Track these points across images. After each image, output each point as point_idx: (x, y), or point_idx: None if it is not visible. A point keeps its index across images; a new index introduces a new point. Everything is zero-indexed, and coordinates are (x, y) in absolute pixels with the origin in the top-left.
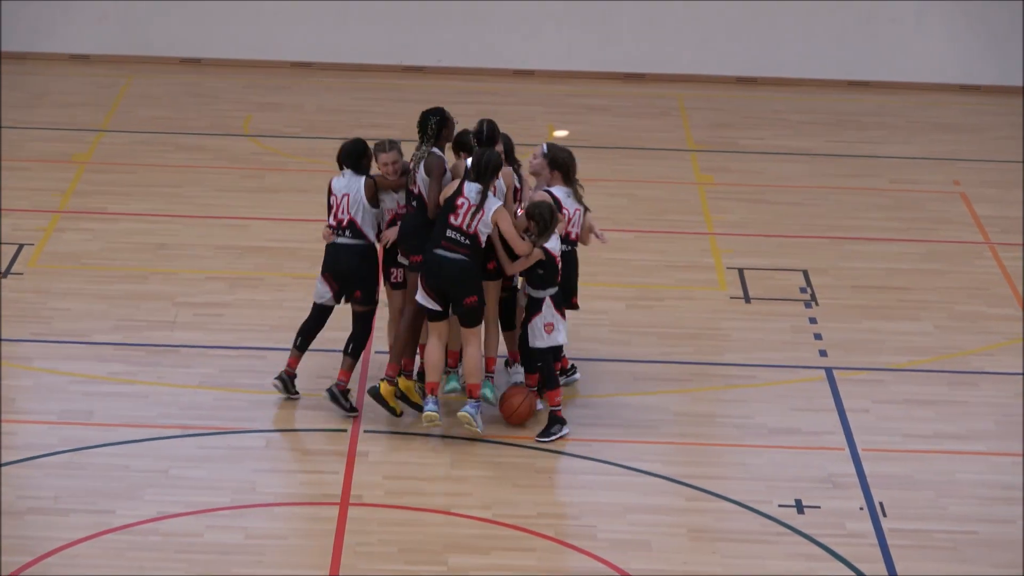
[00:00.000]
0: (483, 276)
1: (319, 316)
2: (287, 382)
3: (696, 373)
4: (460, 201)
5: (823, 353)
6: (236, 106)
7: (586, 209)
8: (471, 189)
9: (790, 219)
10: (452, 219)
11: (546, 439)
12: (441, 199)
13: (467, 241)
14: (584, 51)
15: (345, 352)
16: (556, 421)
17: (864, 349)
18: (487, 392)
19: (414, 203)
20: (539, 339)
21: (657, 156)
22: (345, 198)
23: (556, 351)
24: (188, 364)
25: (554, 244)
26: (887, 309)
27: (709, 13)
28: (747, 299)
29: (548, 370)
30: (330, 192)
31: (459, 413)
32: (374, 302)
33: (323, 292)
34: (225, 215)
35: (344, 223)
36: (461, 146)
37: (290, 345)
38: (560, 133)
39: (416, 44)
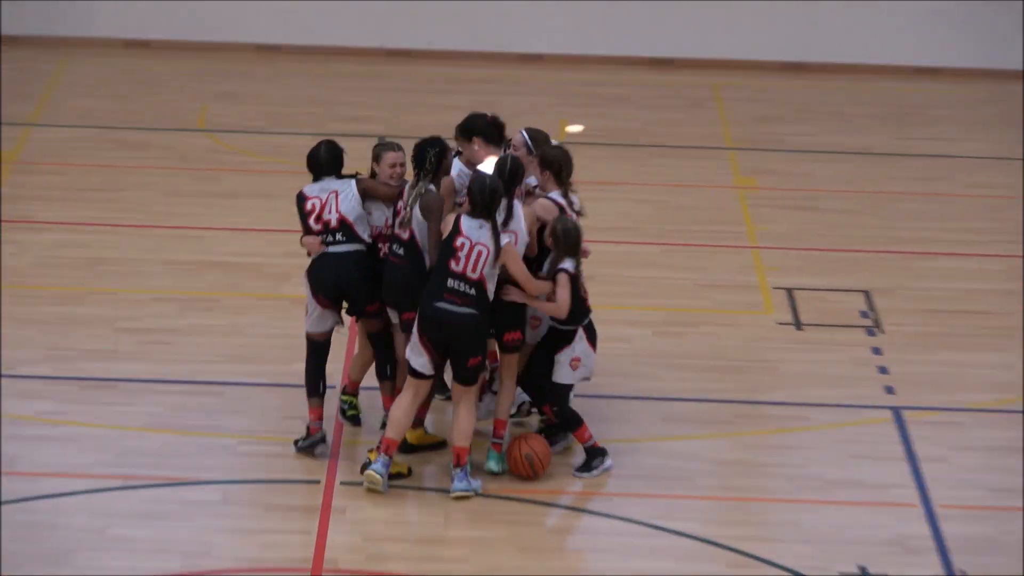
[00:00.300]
0: (498, 339)
1: (320, 350)
2: (321, 440)
3: (738, 414)
4: (459, 242)
5: (890, 390)
6: (189, 96)
7: (578, 215)
8: (470, 226)
9: (847, 230)
10: (453, 265)
11: (587, 474)
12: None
13: (472, 291)
14: (602, 32)
15: (384, 377)
16: (596, 453)
17: (938, 385)
18: (493, 465)
19: (401, 250)
20: (564, 375)
21: (689, 155)
22: (332, 196)
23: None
24: (131, 401)
25: (571, 265)
26: (965, 337)
27: None
28: (798, 325)
29: (566, 409)
30: (304, 199)
31: (452, 492)
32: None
33: (323, 319)
34: (175, 224)
35: (334, 224)
36: (472, 132)
37: (250, 379)
38: (574, 129)
39: (402, 24)
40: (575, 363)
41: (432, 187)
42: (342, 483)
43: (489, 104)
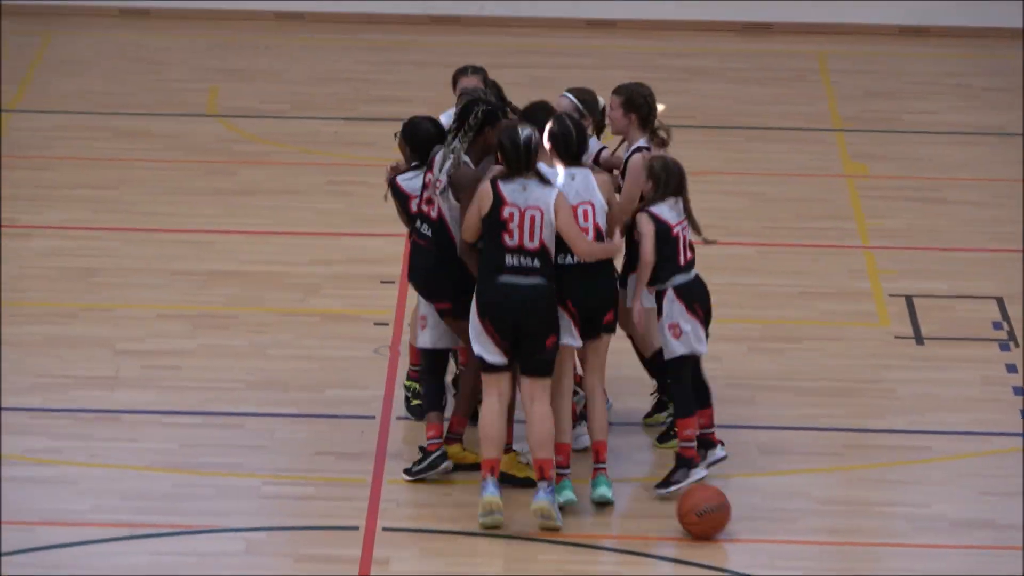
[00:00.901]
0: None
1: (444, 363)
2: (442, 458)
3: (849, 444)
4: (507, 212)
5: None
6: (196, 74)
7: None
8: (512, 190)
9: (976, 226)
10: (507, 240)
11: (667, 489)
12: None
13: (536, 263)
14: None
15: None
16: (683, 464)
17: None
18: (606, 490)
19: (429, 231)
20: (668, 346)
21: (790, 138)
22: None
23: (694, 365)
24: (134, 437)
25: (666, 212)
26: None
27: None
28: (919, 339)
29: (683, 390)
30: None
31: (533, 505)
32: None
33: (449, 331)
34: (182, 227)
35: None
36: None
37: (275, 409)
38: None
39: None
40: (674, 330)
41: (467, 157)
42: (384, 529)
43: (551, 79)
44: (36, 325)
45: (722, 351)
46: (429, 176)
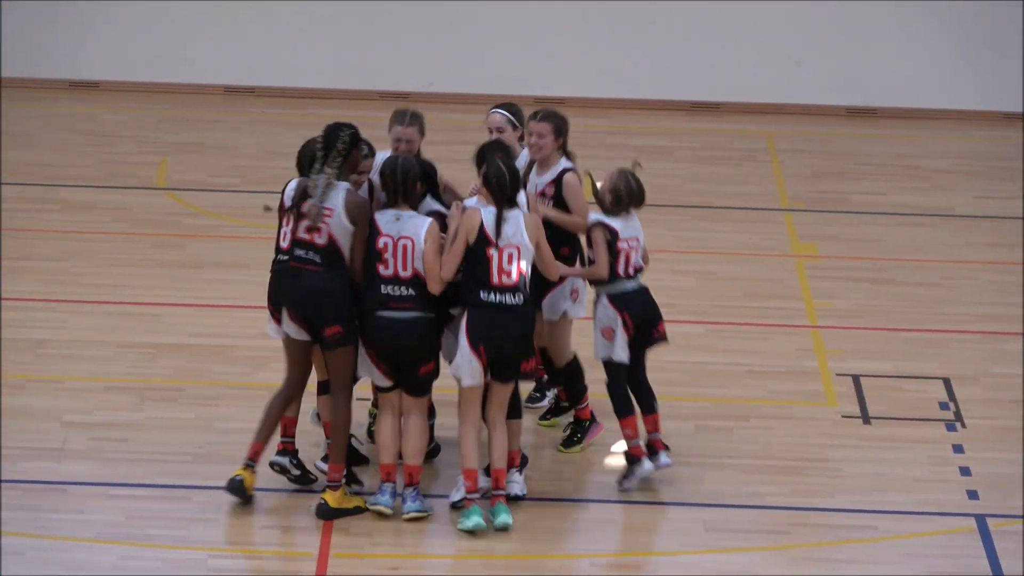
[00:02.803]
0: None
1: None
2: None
3: (795, 522)
4: (382, 242)
5: (973, 495)
6: (145, 147)
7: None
8: (386, 220)
9: (923, 306)
10: (381, 269)
11: (624, 487)
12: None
13: (411, 291)
14: (633, 72)
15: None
16: (632, 462)
17: None
18: (505, 516)
19: (318, 257)
20: (598, 348)
21: (739, 217)
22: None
23: (639, 371)
24: (81, 509)
25: (618, 224)
26: None
27: (809, 18)
28: (865, 419)
29: (619, 391)
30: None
31: (404, 515)
32: None
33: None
34: (130, 300)
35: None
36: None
37: (221, 481)
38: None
39: (398, 63)
40: (606, 333)
41: (343, 181)
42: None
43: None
44: None
45: (670, 428)
46: (306, 205)
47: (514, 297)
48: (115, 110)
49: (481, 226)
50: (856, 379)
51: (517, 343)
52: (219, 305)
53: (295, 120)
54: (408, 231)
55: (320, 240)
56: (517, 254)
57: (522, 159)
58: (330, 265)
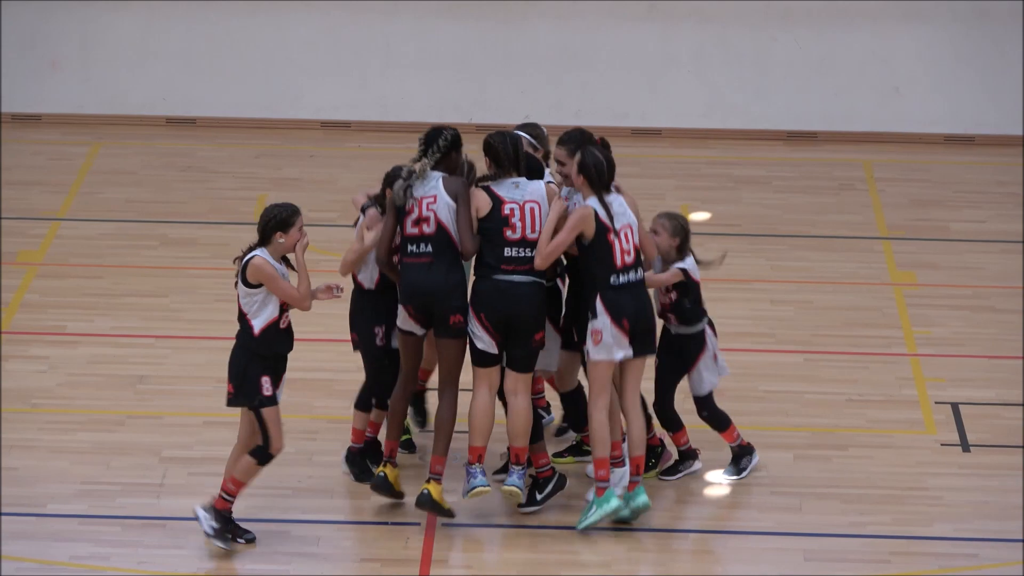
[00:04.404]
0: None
1: None
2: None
3: (896, 551)
4: (508, 208)
5: None
6: (243, 183)
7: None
8: (507, 189)
9: (1022, 334)
10: (508, 234)
11: (737, 476)
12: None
13: (532, 253)
14: (730, 102)
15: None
16: (744, 452)
17: None
18: (616, 502)
19: (428, 247)
20: (710, 381)
21: (837, 247)
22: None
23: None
24: (181, 544)
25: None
26: None
27: (904, 49)
28: (965, 446)
29: (717, 411)
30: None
31: (504, 486)
32: None
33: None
34: (230, 335)
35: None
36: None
37: (321, 516)
38: (699, 216)
39: (492, 95)
40: (716, 359)
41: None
42: None
43: None
44: (83, 432)
45: (769, 459)
46: (411, 203)
47: (636, 273)
48: (212, 146)
49: (596, 216)
50: (955, 407)
51: (652, 316)
52: (319, 339)
53: (392, 153)
54: (533, 195)
55: (429, 228)
56: (631, 232)
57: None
58: (440, 254)
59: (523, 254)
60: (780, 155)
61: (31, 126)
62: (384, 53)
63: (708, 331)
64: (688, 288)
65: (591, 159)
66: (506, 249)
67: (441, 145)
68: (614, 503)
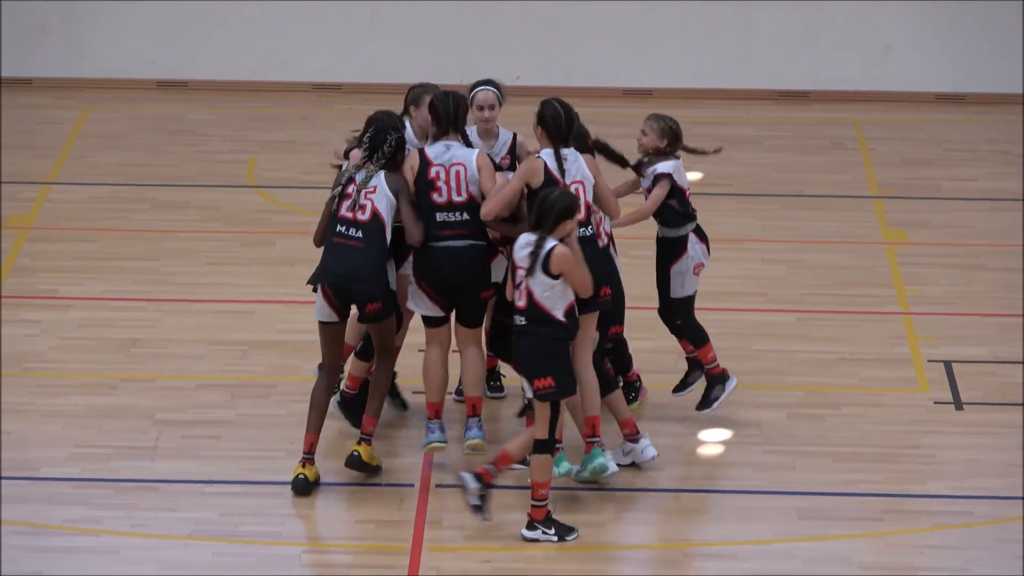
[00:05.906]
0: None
1: None
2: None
3: (888, 509)
4: (434, 171)
5: None
6: (234, 145)
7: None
8: (436, 152)
9: (1014, 291)
10: (435, 197)
11: (709, 409)
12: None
13: (465, 216)
14: (720, 62)
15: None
16: (717, 380)
17: None
18: (567, 466)
19: (360, 233)
20: (690, 285)
21: (828, 206)
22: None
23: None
24: (174, 507)
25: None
26: None
27: (895, 8)
28: (958, 404)
29: (695, 321)
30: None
31: (466, 441)
32: None
33: None
34: (221, 298)
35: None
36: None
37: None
38: (691, 176)
39: (484, 59)
40: (699, 269)
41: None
42: None
43: None
44: (76, 396)
45: (761, 418)
46: (351, 188)
47: (586, 230)
48: (203, 109)
49: (545, 168)
50: (948, 365)
51: (603, 271)
52: (310, 302)
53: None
54: (459, 158)
55: (363, 216)
56: (582, 189)
57: (473, 135)
58: (370, 241)
59: (455, 218)
60: (771, 114)
61: (22, 90)
62: (370, 16)
63: (692, 237)
64: (672, 191)
65: (550, 111)
66: (437, 214)
67: (385, 151)
68: (563, 467)
